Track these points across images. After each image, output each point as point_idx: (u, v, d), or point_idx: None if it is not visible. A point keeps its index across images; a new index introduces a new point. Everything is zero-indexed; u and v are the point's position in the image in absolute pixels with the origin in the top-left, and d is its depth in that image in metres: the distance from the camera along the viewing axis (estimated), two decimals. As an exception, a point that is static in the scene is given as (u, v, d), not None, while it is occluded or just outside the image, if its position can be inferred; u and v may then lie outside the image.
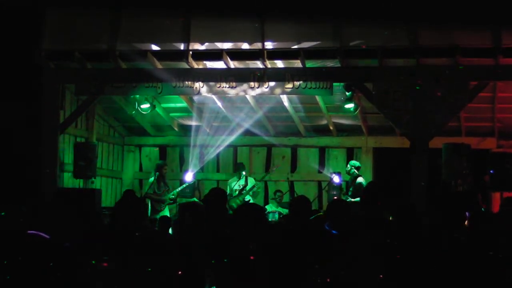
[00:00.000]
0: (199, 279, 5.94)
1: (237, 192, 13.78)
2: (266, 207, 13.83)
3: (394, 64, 11.69)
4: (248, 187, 13.77)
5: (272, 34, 11.71)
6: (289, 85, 11.83)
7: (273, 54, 11.87)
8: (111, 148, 15.87)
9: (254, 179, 14.21)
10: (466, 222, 6.72)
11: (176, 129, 15.68)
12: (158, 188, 13.50)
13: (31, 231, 6.13)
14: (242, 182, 13.89)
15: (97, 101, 13.55)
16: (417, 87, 11.18)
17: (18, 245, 5.80)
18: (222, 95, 13.05)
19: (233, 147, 15.49)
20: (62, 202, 9.13)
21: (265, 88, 11.96)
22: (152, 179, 13.56)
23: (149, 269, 5.75)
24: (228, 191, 13.57)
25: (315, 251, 5.89)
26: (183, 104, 14.50)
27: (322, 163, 15.44)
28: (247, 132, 14.77)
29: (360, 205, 7.42)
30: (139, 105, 13.63)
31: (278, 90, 12.05)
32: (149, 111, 13.78)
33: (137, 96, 13.34)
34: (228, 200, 12.91)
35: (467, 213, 6.77)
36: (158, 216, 12.07)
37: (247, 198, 13.72)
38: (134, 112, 14.02)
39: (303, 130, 15.26)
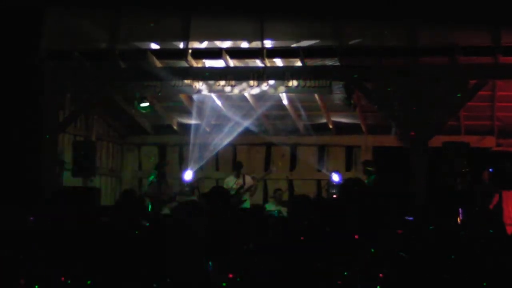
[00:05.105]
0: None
1: (234, 191, 13.71)
2: (266, 205, 13.81)
3: (394, 63, 11.69)
4: (246, 187, 13.67)
5: (271, 32, 11.73)
6: (289, 84, 11.83)
7: (273, 53, 11.89)
8: (110, 147, 15.86)
9: (252, 178, 14.10)
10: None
11: (175, 128, 15.67)
12: (159, 187, 13.48)
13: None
14: (239, 180, 13.80)
15: (97, 100, 13.54)
16: (417, 86, 11.18)
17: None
18: (221, 94, 13.05)
19: (233, 145, 15.48)
20: (62, 201, 9.13)
21: (264, 87, 11.97)
22: (152, 177, 13.55)
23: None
24: None
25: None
26: (183, 103, 14.49)
27: (321, 161, 15.45)
28: (247, 131, 14.75)
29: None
30: (138, 104, 13.62)
31: (277, 89, 12.06)
32: (148, 109, 13.77)
33: (137, 94, 13.33)
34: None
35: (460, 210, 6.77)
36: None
37: (244, 198, 13.66)
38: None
39: (303, 129, 15.26)
